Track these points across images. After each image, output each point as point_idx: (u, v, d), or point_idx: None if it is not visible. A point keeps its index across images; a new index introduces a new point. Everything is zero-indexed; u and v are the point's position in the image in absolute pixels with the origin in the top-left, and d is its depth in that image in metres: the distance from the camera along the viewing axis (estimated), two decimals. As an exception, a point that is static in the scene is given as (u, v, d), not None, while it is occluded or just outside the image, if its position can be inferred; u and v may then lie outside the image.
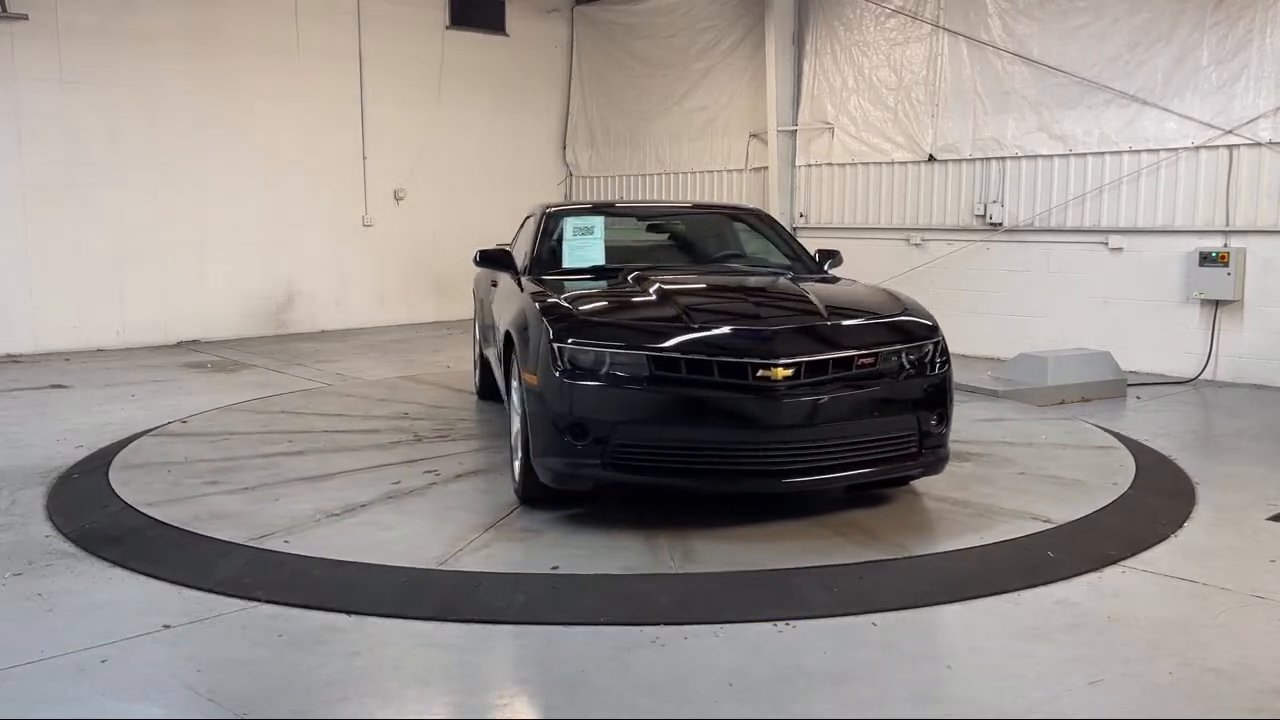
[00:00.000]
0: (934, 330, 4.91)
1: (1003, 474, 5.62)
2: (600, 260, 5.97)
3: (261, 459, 5.93)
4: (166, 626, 3.71)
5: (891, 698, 3.23)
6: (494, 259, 6.20)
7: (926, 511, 5.02)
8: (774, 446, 4.46)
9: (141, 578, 4.20)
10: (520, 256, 6.19)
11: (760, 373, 4.42)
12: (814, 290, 5.34)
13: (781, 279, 5.77)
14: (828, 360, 4.54)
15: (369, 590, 4.05)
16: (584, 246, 6.03)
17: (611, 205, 7.48)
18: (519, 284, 5.71)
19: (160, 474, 5.62)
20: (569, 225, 6.20)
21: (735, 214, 7.29)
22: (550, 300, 5.04)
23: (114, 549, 4.52)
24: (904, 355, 4.74)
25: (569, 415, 4.47)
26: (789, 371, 4.43)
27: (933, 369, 4.81)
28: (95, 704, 3.17)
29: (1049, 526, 4.72)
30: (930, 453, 4.79)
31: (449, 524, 4.77)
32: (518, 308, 5.25)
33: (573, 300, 5.07)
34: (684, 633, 3.66)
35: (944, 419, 4.82)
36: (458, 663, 3.50)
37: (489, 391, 7.60)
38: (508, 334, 5.29)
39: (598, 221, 6.24)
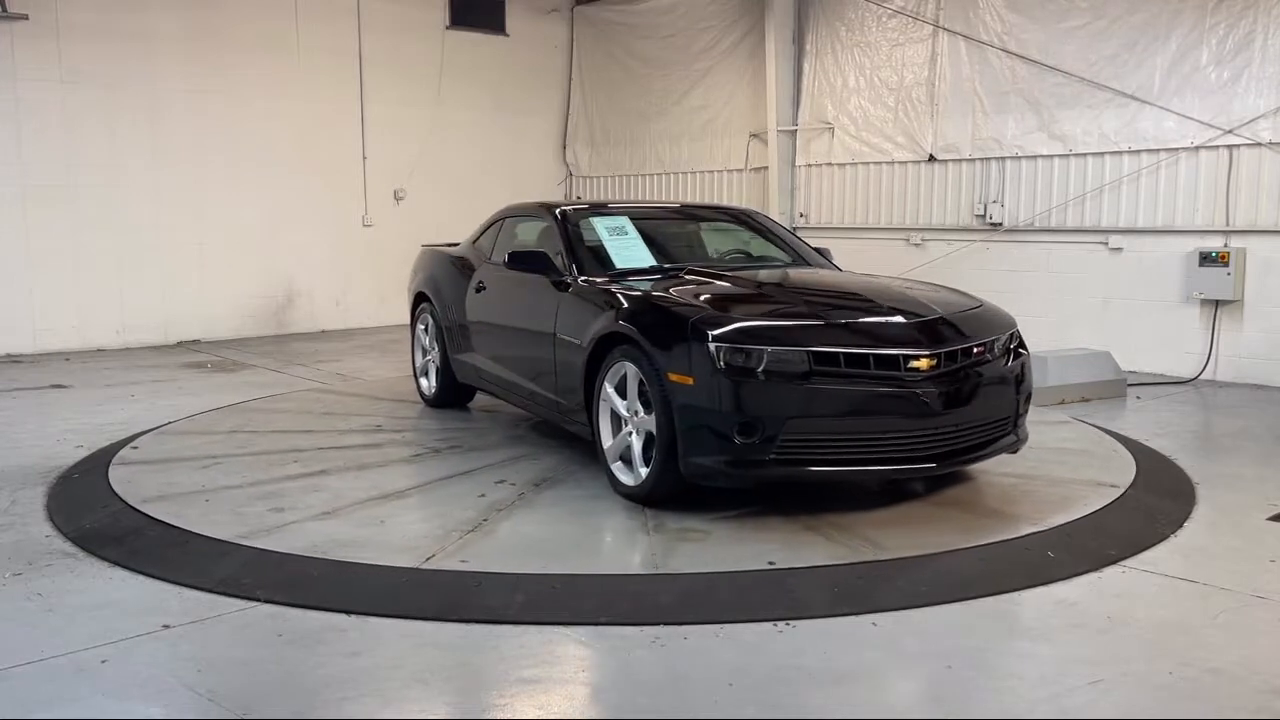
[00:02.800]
0: (1013, 321, 5.35)
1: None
2: (649, 260, 5.90)
3: (293, 480, 5.45)
4: (166, 626, 3.72)
5: (891, 698, 3.23)
6: (528, 260, 5.95)
7: (1010, 486, 5.37)
8: (927, 432, 4.70)
9: (141, 578, 4.20)
10: (554, 259, 5.96)
11: (911, 364, 4.66)
12: (903, 286, 5.64)
13: (860, 275, 6.08)
14: (957, 350, 4.85)
15: (369, 590, 4.05)
16: (628, 247, 5.94)
17: (605, 205, 7.41)
18: (566, 286, 5.66)
19: (197, 503, 5.04)
20: (600, 226, 6.09)
21: (735, 214, 7.30)
22: (686, 301, 5.05)
23: (114, 549, 4.52)
24: (997, 343, 5.09)
25: (737, 414, 4.51)
26: (933, 361, 4.71)
27: (1018, 355, 5.22)
28: (95, 704, 3.17)
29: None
30: (1018, 431, 5.21)
31: (598, 529, 4.75)
32: (631, 308, 5.08)
33: (702, 299, 5.09)
34: (684, 633, 3.66)
35: (1029, 399, 5.27)
36: (458, 663, 3.50)
37: (446, 398, 7.35)
38: (610, 336, 5.07)
39: (625, 221, 6.18)
